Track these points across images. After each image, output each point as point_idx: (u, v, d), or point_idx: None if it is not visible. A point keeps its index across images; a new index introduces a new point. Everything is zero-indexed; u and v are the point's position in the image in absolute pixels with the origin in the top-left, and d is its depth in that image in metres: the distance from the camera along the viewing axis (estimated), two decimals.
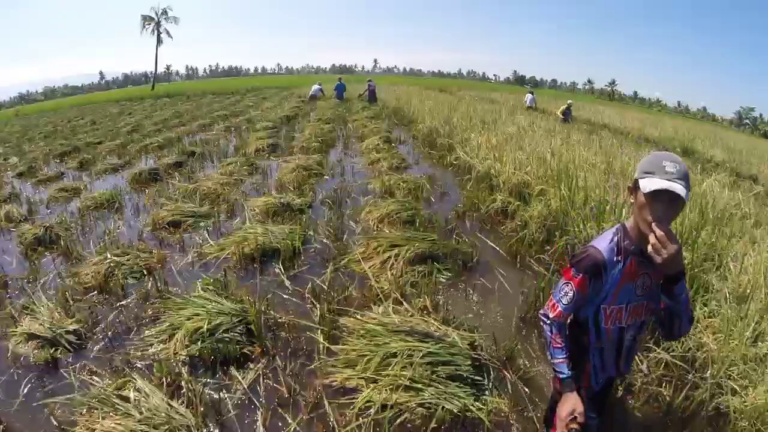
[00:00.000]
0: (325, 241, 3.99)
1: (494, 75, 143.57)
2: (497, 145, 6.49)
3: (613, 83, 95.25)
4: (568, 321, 1.39)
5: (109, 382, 2.24)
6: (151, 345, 2.59)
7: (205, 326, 2.53)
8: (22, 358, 2.56)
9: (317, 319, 2.78)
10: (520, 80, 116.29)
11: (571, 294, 1.26)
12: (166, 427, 1.91)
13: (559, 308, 1.29)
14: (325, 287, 3.14)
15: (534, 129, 8.40)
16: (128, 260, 3.55)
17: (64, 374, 2.39)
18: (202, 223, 4.50)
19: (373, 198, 5.07)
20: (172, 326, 2.65)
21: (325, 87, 20.32)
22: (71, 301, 3.05)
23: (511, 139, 6.85)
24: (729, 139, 18.57)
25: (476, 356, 2.35)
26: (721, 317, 2.44)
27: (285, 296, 3.11)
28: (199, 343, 2.49)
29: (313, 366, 2.40)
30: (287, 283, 3.29)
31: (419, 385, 2.10)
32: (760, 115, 76.84)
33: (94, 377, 2.33)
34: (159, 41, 47.92)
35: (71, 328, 2.70)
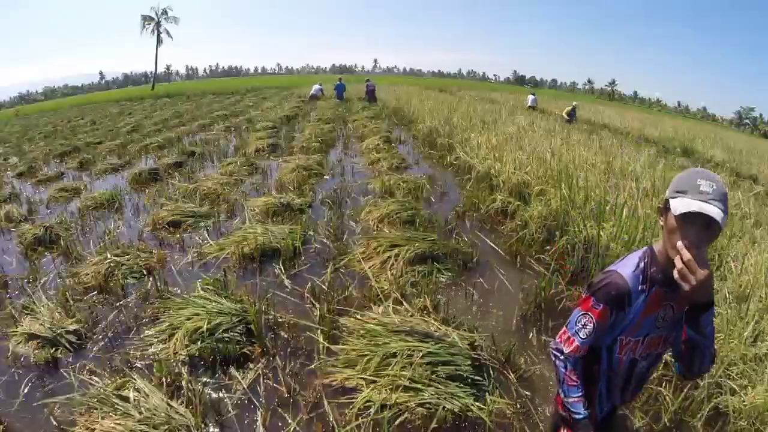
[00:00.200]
0: (325, 240, 3.99)
1: (494, 75, 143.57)
2: (497, 145, 6.49)
3: (613, 83, 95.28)
4: None
5: (109, 382, 2.24)
6: (151, 345, 2.59)
7: (205, 326, 2.53)
8: (22, 358, 2.56)
9: (317, 318, 2.78)
10: (520, 80, 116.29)
11: (590, 327, 1.11)
12: (166, 427, 1.91)
13: (576, 343, 1.14)
14: (325, 287, 3.15)
15: (534, 129, 8.40)
16: (128, 260, 3.55)
17: (64, 374, 2.39)
18: (202, 223, 4.50)
19: (373, 198, 5.07)
20: (172, 326, 2.65)
21: (325, 87, 20.34)
22: (71, 301, 3.05)
23: (511, 139, 6.86)
24: (729, 139, 18.58)
25: (476, 356, 2.35)
26: (720, 317, 2.44)
27: (285, 296, 3.11)
28: (198, 342, 2.49)
29: (312, 366, 2.40)
30: (287, 282, 3.29)
31: (419, 385, 2.11)
32: (760, 115, 76.81)
33: (93, 377, 2.33)
34: (159, 41, 47.90)
35: (71, 328, 2.70)
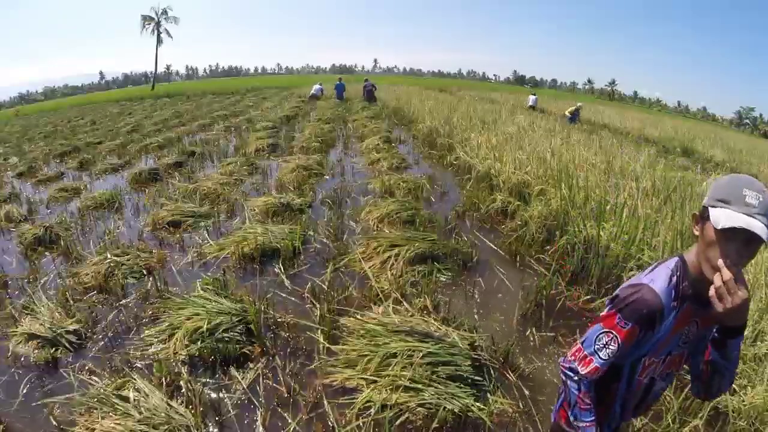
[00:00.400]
0: (325, 240, 3.99)
1: (494, 75, 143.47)
2: (497, 145, 6.49)
3: (613, 83, 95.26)
4: None
5: (109, 381, 2.24)
6: (151, 345, 2.59)
7: (205, 326, 2.53)
8: (22, 358, 2.56)
9: (317, 318, 2.78)
10: (520, 80, 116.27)
11: (613, 348, 0.98)
12: (166, 427, 1.91)
13: (595, 364, 1.01)
14: (325, 287, 3.15)
15: (534, 129, 8.40)
16: (128, 260, 3.55)
17: (64, 374, 2.39)
18: (202, 223, 4.50)
19: (373, 198, 5.07)
20: (172, 326, 2.65)
21: (325, 87, 20.34)
22: (71, 301, 3.05)
23: (511, 139, 6.85)
24: (729, 139, 18.61)
25: (476, 356, 2.35)
26: None
27: (285, 296, 3.11)
28: (198, 342, 2.49)
29: (313, 366, 2.40)
30: (287, 282, 3.29)
31: (419, 386, 2.10)
32: (760, 115, 76.79)
33: (93, 377, 2.33)
34: (159, 41, 47.88)
35: (71, 328, 2.70)
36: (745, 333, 2.29)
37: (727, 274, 0.85)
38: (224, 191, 5.52)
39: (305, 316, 2.85)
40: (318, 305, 2.88)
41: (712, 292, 0.87)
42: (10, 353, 2.59)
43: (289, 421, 2.05)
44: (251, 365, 2.42)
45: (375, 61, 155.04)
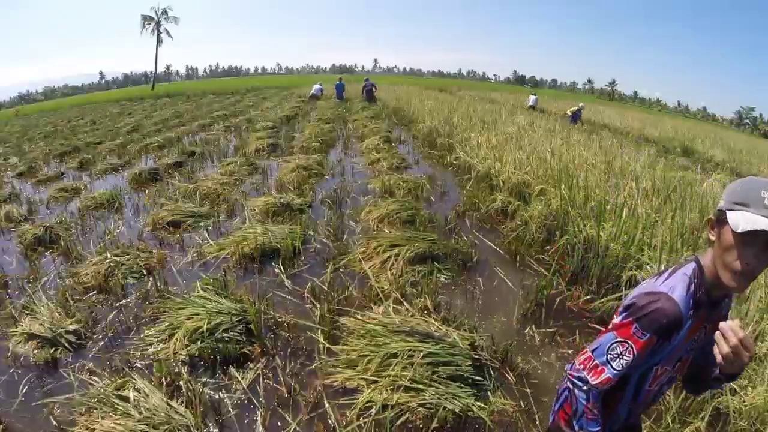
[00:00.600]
0: (325, 240, 3.99)
1: (494, 75, 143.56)
2: (497, 144, 6.49)
3: (613, 83, 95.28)
4: None
5: (109, 381, 2.24)
6: (151, 345, 2.58)
7: (205, 326, 2.53)
8: (22, 358, 2.56)
9: (317, 318, 2.78)
10: (520, 80, 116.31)
11: (628, 358, 0.94)
12: (166, 427, 1.91)
13: (607, 374, 0.97)
14: (325, 287, 3.14)
15: (534, 129, 8.40)
16: (128, 260, 3.55)
17: (64, 374, 2.39)
18: (202, 223, 4.50)
19: (373, 198, 5.07)
20: (172, 326, 2.65)
21: (325, 87, 20.34)
22: (71, 301, 3.05)
23: (511, 139, 6.85)
24: (729, 139, 18.61)
25: (477, 356, 2.35)
26: None
27: (285, 296, 3.11)
28: (198, 342, 2.48)
29: (313, 366, 2.40)
30: (287, 282, 3.29)
31: (420, 386, 2.10)
32: (760, 115, 76.84)
33: (93, 377, 2.33)
34: (159, 41, 47.90)
35: (71, 328, 2.70)
36: (746, 333, 2.30)
37: (742, 336, 0.84)
38: (224, 191, 5.52)
39: (305, 316, 2.85)
40: (318, 305, 2.87)
41: (726, 349, 0.85)
42: (10, 353, 2.59)
43: (290, 421, 2.05)
44: (251, 365, 2.41)
45: (375, 61, 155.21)
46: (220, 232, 4.29)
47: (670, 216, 3.47)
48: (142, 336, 2.67)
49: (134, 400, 2.06)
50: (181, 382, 2.24)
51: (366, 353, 2.32)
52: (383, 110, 13.49)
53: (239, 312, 2.68)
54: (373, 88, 16.19)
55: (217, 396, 2.21)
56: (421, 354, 2.24)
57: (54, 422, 2.07)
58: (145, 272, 3.48)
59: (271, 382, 2.30)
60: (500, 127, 8.20)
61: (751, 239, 0.82)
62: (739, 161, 11.32)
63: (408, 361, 2.21)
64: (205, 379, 2.32)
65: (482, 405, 2.07)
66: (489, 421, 2.00)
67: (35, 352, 2.57)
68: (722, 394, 2.09)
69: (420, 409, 2.03)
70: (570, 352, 2.55)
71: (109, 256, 3.54)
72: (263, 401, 2.18)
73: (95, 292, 3.23)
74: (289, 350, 2.55)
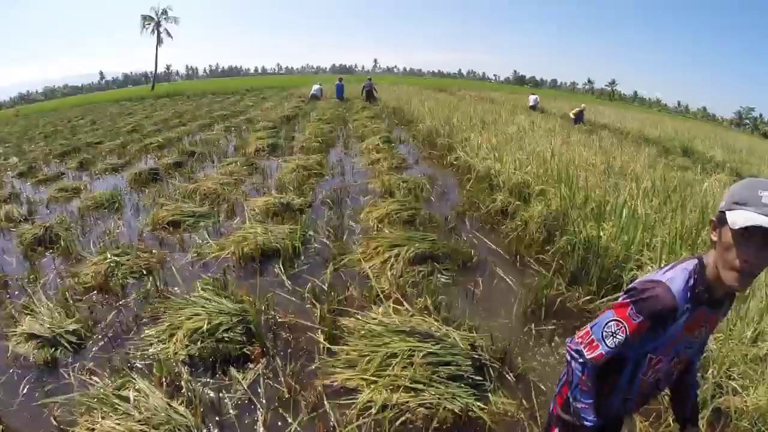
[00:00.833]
0: (325, 241, 3.99)
1: (494, 75, 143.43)
2: (497, 145, 6.49)
3: (613, 83, 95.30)
4: None
5: (109, 382, 2.24)
6: (151, 345, 2.58)
7: (205, 326, 2.53)
8: (22, 358, 2.55)
9: (317, 319, 2.78)
10: (520, 80, 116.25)
11: (620, 338, 1.00)
12: (166, 427, 1.91)
13: (601, 350, 1.03)
14: (325, 287, 3.14)
15: (534, 129, 8.40)
16: (128, 260, 3.55)
17: (64, 374, 2.39)
18: (202, 223, 4.50)
19: (373, 198, 5.07)
20: (172, 326, 2.65)
21: (325, 87, 20.34)
22: (71, 301, 3.04)
23: (511, 139, 6.85)
24: (729, 139, 18.58)
25: (477, 356, 2.35)
26: None
27: (285, 296, 3.11)
28: (198, 342, 2.48)
29: (313, 366, 2.40)
30: (287, 282, 3.28)
31: (420, 386, 2.10)
32: (760, 115, 76.83)
33: (93, 377, 2.33)
34: (159, 41, 47.91)
35: (71, 328, 2.70)
36: (746, 333, 2.30)
37: None
38: (224, 191, 5.52)
39: (305, 316, 2.85)
40: (318, 305, 2.87)
41: None
42: (10, 353, 2.59)
43: (290, 421, 2.05)
44: (251, 365, 2.41)
45: (375, 61, 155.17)
46: (220, 232, 4.28)
47: (670, 216, 3.47)
48: (142, 336, 2.67)
49: (134, 400, 2.05)
50: (181, 383, 2.24)
51: (366, 353, 2.32)
52: (383, 110, 13.49)
53: (239, 312, 2.68)
54: (373, 88, 16.21)
55: (217, 396, 2.21)
56: (421, 354, 2.24)
57: (54, 422, 2.06)
58: (145, 272, 3.47)
59: (271, 383, 2.30)
60: (500, 127, 8.20)
61: (749, 236, 0.84)
62: (739, 161, 11.31)
63: (408, 361, 2.21)
64: (205, 380, 2.31)
65: (482, 405, 2.07)
66: (489, 421, 2.00)
67: (35, 352, 2.56)
68: (723, 394, 2.09)
69: (420, 409, 2.03)
70: None
71: (109, 256, 3.54)
72: (264, 401, 2.18)
73: (95, 292, 3.22)
74: (289, 350, 2.55)
